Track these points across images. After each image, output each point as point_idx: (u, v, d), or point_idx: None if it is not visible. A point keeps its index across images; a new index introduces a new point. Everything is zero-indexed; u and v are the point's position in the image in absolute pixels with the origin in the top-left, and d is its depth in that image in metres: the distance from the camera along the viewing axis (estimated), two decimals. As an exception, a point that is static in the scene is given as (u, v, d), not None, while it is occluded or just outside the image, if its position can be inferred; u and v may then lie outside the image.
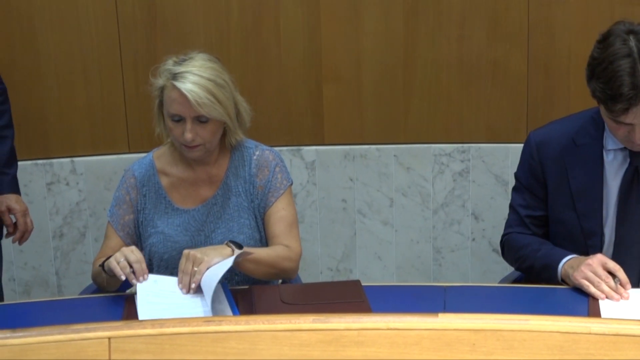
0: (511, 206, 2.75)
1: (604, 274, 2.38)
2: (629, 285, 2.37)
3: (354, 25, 3.68)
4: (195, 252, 2.50)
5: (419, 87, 3.72)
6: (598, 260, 2.41)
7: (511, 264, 2.78)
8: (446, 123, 3.74)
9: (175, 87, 2.59)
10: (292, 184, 2.80)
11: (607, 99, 2.34)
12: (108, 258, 2.54)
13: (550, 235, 2.68)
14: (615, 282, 2.36)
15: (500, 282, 3.00)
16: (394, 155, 3.79)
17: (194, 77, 2.58)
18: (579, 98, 3.61)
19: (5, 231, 3.23)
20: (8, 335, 1.94)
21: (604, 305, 2.36)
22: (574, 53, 3.61)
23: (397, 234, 3.86)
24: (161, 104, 2.68)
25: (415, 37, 3.67)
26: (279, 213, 2.74)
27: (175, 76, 2.60)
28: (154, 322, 2.00)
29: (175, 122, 2.64)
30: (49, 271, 3.87)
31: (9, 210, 3.17)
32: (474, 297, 2.56)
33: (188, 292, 2.47)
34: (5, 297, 3.42)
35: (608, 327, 1.89)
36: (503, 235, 2.77)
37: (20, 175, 3.26)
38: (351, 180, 3.83)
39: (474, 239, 3.84)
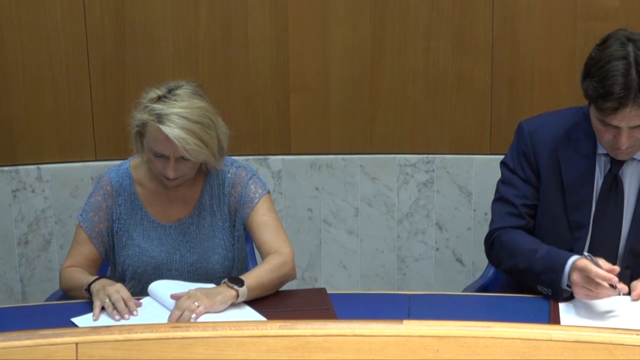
0: (500, 199, 2.71)
1: (591, 282, 2.36)
2: (614, 279, 2.35)
3: (322, 35, 3.71)
4: (202, 296, 2.44)
5: (385, 97, 3.75)
6: (578, 272, 2.38)
7: (498, 263, 2.71)
8: (411, 134, 3.78)
9: (161, 130, 2.54)
10: (269, 192, 2.80)
11: (598, 97, 2.37)
12: (93, 282, 2.52)
13: (535, 227, 2.68)
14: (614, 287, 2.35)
15: (464, 290, 3.04)
16: (360, 165, 3.82)
17: (181, 122, 2.53)
18: (543, 109, 3.62)
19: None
20: (-25, 340, 1.94)
21: (564, 312, 2.39)
22: (538, 66, 3.66)
23: (362, 243, 3.89)
24: (140, 134, 2.63)
25: (382, 48, 3.71)
26: (261, 219, 2.74)
27: (160, 118, 2.54)
28: (121, 328, 2.00)
29: (157, 157, 2.61)
30: (14, 278, 3.85)
31: None
32: (437, 305, 2.59)
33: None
34: (-31, 303, 3.41)
35: (568, 334, 1.92)
36: (491, 231, 2.71)
37: (-15, 181, 3.26)
38: (317, 189, 3.85)
39: (437, 249, 3.88)
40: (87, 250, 2.72)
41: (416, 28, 3.67)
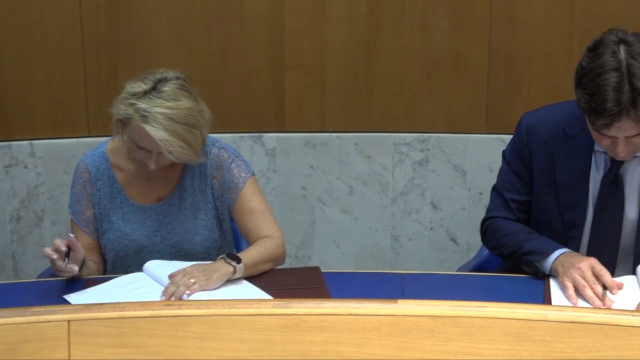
0: (495, 189, 2.71)
1: (592, 279, 2.34)
2: (616, 290, 2.34)
3: (318, 13, 3.68)
4: (199, 273, 2.43)
5: (381, 76, 3.73)
6: (588, 264, 2.37)
7: (492, 249, 2.73)
8: (407, 112, 3.76)
9: (145, 129, 2.50)
10: (253, 175, 2.77)
11: (590, 111, 2.31)
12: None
13: (531, 223, 2.66)
14: (603, 292, 2.33)
15: (458, 270, 3.03)
16: (355, 144, 3.81)
17: (166, 123, 2.49)
18: (539, 90, 3.65)
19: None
20: (-33, 316, 1.93)
21: (556, 293, 2.38)
22: (535, 46, 3.64)
23: (356, 222, 3.88)
24: (123, 122, 2.57)
25: (378, 26, 3.68)
26: (247, 206, 2.72)
27: (145, 117, 2.49)
28: (114, 306, 1.99)
29: (139, 149, 2.58)
30: (6, 254, 3.84)
31: None
32: (432, 285, 2.59)
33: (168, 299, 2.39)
34: (-39, 279, 3.40)
35: (563, 314, 1.91)
36: (486, 219, 2.72)
37: (-22, 157, 3.24)
38: (311, 167, 3.84)
39: (432, 228, 3.87)
40: (83, 241, 2.68)
41: (413, 6, 3.65)
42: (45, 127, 3.74)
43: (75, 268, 2.46)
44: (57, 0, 3.62)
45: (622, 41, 2.32)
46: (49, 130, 3.75)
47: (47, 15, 3.63)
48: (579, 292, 2.35)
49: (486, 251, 2.99)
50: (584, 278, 2.34)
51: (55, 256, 2.43)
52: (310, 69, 3.74)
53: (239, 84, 3.75)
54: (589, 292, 2.32)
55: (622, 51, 2.29)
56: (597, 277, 2.35)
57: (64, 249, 2.43)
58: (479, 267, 2.96)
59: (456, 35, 3.67)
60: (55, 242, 2.44)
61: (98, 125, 3.72)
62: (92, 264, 2.67)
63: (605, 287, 2.34)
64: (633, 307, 2.25)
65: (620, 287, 2.36)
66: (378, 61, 3.71)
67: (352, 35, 3.70)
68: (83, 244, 2.64)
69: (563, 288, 2.38)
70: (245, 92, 3.76)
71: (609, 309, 2.07)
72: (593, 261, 2.38)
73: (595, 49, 2.34)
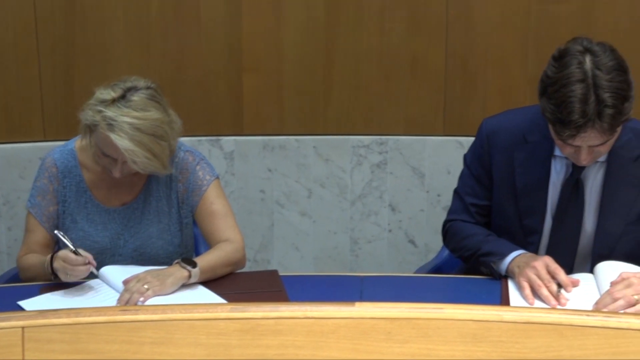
0: (456, 192, 2.72)
1: (547, 278, 2.35)
2: (570, 288, 2.36)
3: (275, 16, 3.68)
4: (152, 279, 2.42)
5: (339, 79, 3.73)
6: (543, 263, 2.38)
7: (452, 251, 2.75)
8: (365, 115, 3.77)
9: (110, 138, 2.47)
10: (217, 178, 2.76)
11: (556, 122, 2.31)
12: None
13: (491, 227, 2.67)
14: (557, 290, 2.34)
15: (417, 271, 3.04)
16: (313, 147, 3.80)
17: (132, 133, 2.46)
18: (496, 92, 3.67)
19: None
20: None
21: (514, 294, 2.40)
22: (491, 48, 3.67)
23: (315, 225, 3.88)
24: (90, 128, 2.55)
25: (335, 29, 3.69)
26: (210, 208, 2.70)
27: (112, 126, 2.46)
28: (69, 312, 1.98)
29: (104, 155, 2.55)
30: (-40, 260, 3.79)
31: None
32: (390, 287, 2.59)
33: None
34: None
35: (519, 315, 1.93)
36: (446, 221, 2.74)
37: None
38: (270, 171, 3.83)
39: (390, 230, 3.88)
40: (39, 236, 2.66)
41: (370, 9, 3.66)
42: (0, 131, 3.70)
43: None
44: (11, 1, 3.58)
45: (587, 51, 2.32)
46: (4, 134, 3.70)
47: (0, 16, 3.58)
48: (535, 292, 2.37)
49: (446, 252, 3.00)
50: (539, 277, 2.36)
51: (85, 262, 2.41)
52: (268, 72, 3.73)
53: (197, 88, 3.73)
54: (544, 292, 2.33)
55: (588, 62, 2.30)
56: (552, 275, 2.37)
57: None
58: (438, 268, 2.97)
59: (413, 38, 3.68)
60: (80, 255, 2.41)
61: (54, 129, 3.69)
62: None
63: (560, 285, 2.36)
64: (590, 307, 2.27)
65: (575, 284, 2.38)
66: (336, 64, 3.71)
67: (309, 38, 3.70)
68: (39, 239, 2.62)
69: (519, 288, 2.40)
70: (203, 95, 3.75)
71: (564, 309, 2.09)
72: (548, 259, 2.40)
73: (561, 58, 2.34)
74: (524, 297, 2.36)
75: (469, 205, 2.67)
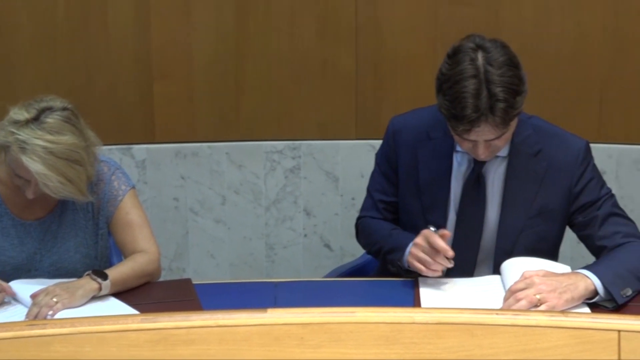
0: (367, 189, 2.77)
1: (430, 251, 2.40)
2: (450, 253, 2.39)
3: (184, 22, 3.65)
4: (62, 291, 2.37)
5: (250, 84, 3.73)
6: (423, 237, 2.43)
7: (364, 247, 2.80)
8: (277, 120, 3.77)
9: (22, 161, 2.40)
10: (133, 188, 2.72)
11: (451, 117, 2.36)
12: None
13: (399, 223, 2.71)
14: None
15: (327, 276, 3.05)
16: (226, 153, 3.79)
17: (46, 156, 2.39)
18: (406, 95, 3.71)
19: None
20: None
21: (424, 295, 2.42)
22: (401, 52, 3.70)
23: (230, 232, 3.86)
24: (2, 147, 2.47)
25: (245, 34, 3.68)
26: (125, 218, 2.66)
27: (24, 149, 2.39)
28: (-27, 328, 1.93)
29: (17, 177, 2.49)
30: None
31: None
32: (304, 292, 2.59)
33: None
34: None
35: (430, 316, 1.95)
36: (357, 219, 2.79)
37: None
38: (183, 178, 3.80)
39: (306, 235, 3.88)
40: None
41: (279, 14, 3.66)
42: None
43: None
44: None
45: (479, 47, 2.37)
46: None
47: None
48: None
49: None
50: (424, 252, 2.41)
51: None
52: (179, 79, 3.70)
53: (106, 96, 3.68)
54: (437, 267, 2.40)
55: (480, 58, 2.35)
56: (432, 246, 2.41)
57: None
58: (361, 268, 2.99)
59: (324, 42, 3.70)
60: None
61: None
62: None
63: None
64: (498, 307, 2.30)
65: (445, 252, 2.39)
66: (246, 69, 3.71)
67: (219, 44, 3.68)
68: None
69: (416, 270, 2.44)
70: (113, 104, 3.70)
71: (475, 309, 2.11)
72: (426, 232, 2.44)
73: (454, 55, 2.39)
74: (425, 274, 2.42)
75: (378, 201, 2.72)
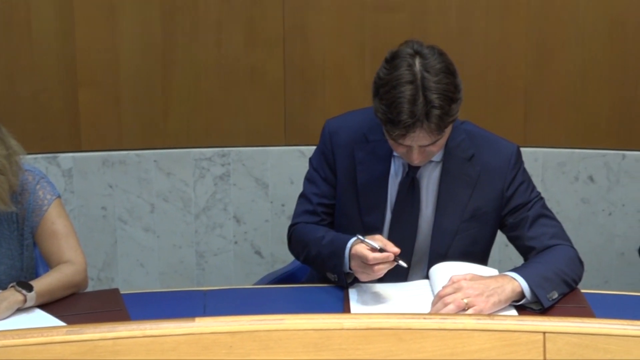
0: (303, 195, 2.73)
1: (372, 257, 2.36)
2: (391, 246, 2.37)
3: (109, 28, 3.61)
4: None
5: (178, 91, 3.70)
6: (355, 256, 2.41)
7: (297, 255, 2.75)
8: (206, 127, 3.75)
9: None
10: (59, 197, 2.68)
11: (387, 122, 2.37)
12: None
13: (334, 226, 2.70)
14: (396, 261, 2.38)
15: (258, 282, 3.04)
16: (154, 161, 3.76)
17: None
18: (335, 101, 3.72)
19: None
20: None
21: (354, 301, 2.43)
22: (329, 59, 3.72)
23: (160, 240, 3.83)
24: None
25: (172, 41, 3.65)
26: (50, 228, 2.62)
27: None
28: None
29: None
30: None
31: None
32: (234, 300, 2.57)
33: None
34: None
35: (359, 322, 1.96)
36: (290, 226, 2.74)
37: None
38: (110, 187, 3.76)
39: (236, 242, 3.87)
40: None
41: (206, 21, 3.64)
42: None
43: None
44: None
45: (417, 54, 2.39)
46: None
47: None
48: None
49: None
50: (363, 268, 2.39)
51: None
52: (105, 86, 3.66)
53: (30, 104, 3.63)
54: (382, 267, 2.37)
55: (418, 64, 2.37)
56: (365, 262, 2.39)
57: None
58: (292, 274, 2.98)
59: (251, 49, 3.69)
60: None
61: None
62: None
63: (381, 250, 2.37)
64: (427, 311, 2.32)
65: (386, 258, 2.37)
66: (174, 76, 3.68)
67: (146, 50, 3.66)
68: None
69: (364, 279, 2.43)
70: (38, 111, 3.64)
71: (402, 313, 2.13)
72: (357, 249, 2.40)
73: (392, 60, 2.40)
74: (374, 277, 2.39)
75: (317, 205, 2.69)
